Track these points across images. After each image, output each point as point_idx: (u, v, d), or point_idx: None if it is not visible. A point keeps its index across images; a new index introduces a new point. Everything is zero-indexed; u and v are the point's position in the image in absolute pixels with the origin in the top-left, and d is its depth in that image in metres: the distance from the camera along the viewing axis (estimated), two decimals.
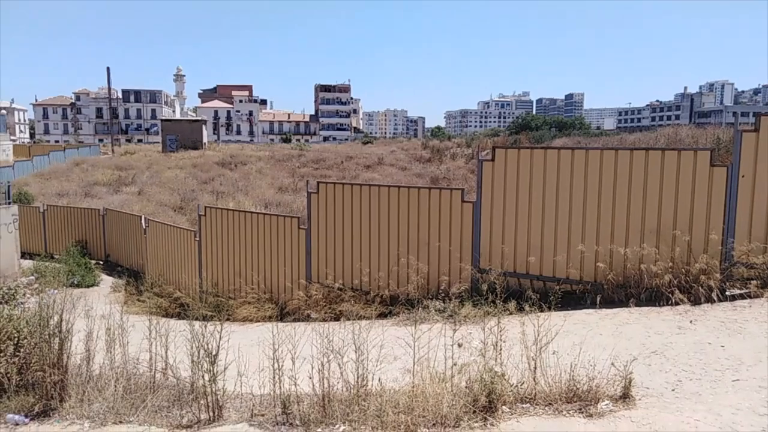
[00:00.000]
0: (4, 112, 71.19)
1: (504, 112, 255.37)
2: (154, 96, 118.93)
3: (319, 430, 4.61)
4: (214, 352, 5.01)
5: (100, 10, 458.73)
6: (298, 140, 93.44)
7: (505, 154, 8.89)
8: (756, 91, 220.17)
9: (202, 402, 5.08)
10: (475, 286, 8.61)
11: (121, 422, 5.00)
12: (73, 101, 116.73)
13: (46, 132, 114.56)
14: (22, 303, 11.47)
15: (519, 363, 5.10)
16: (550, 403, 4.76)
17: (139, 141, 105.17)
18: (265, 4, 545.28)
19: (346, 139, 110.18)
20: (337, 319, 9.13)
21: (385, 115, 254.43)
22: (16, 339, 5.76)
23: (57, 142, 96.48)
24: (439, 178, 31.98)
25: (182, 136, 58.81)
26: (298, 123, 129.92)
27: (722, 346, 5.94)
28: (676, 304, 7.38)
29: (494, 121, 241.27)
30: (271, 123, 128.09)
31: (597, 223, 8.27)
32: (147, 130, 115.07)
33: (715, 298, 7.28)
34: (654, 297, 7.64)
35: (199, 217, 12.79)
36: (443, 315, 8.01)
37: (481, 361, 4.88)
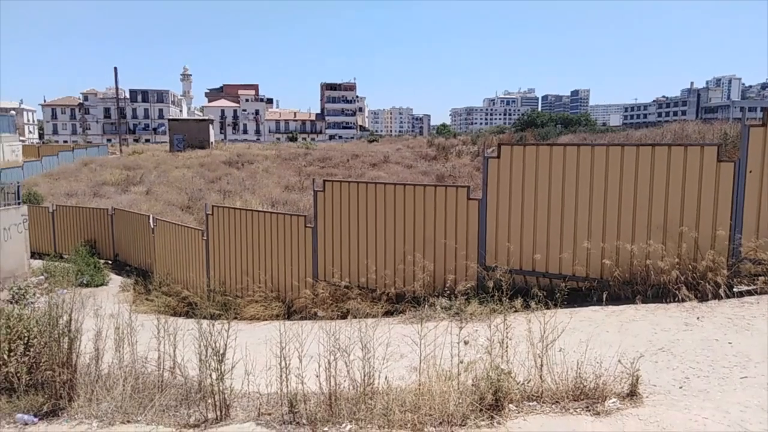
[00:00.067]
0: (13, 113, 71.72)
1: (509, 109, 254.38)
2: (161, 96, 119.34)
3: (326, 429, 4.62)
4: (221, 351, 5.04)
5: (108, 10, 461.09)
6: (305, 139, 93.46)
7: (511, 151, 8.87)
8: (764, 86, 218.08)
9: (209, 401, 5.11)
10: (481, 283, 8.60)
11: (129, 422, 5.04)
12: (81, 102, 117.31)
13: (55, 132, 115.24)
14: (31, 303, 11.57)
15: (525, 360, 5.09)
16: (556, 401, 4.75)
17: (147, 141, 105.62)
18: (271, 3, 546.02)
19: (352, 138, 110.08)
20: (343, 317, 9.15)
21: (391, 113, 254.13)
22: (26, 338, 5.82)
23: (66, 142, 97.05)
24: (445, 175, 31.93)
25: (189, 135, 58.98)
26: (304, 122, 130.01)
27: (730, 343, 5.91)
28: (683, 300, 7.34)
29: (500, 118, 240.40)
30: (278, 122, 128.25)
31: (603, 219, 8.24)
32: (154, 129, 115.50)
33: (723, 295, 7.24)
34: (661, 294, 7.61)
35: (207, 216, 12.85)
36: (449, 312, 8.02)
37: (488, 358, 4.89)
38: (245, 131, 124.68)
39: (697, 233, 7.71)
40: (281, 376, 5.06)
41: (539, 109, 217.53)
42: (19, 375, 5.55)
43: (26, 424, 5.19)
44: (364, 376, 4.84)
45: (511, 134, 65.35)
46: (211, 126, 64.03)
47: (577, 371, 4.86)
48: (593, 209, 8.29)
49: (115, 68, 64.16)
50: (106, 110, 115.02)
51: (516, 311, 5.71)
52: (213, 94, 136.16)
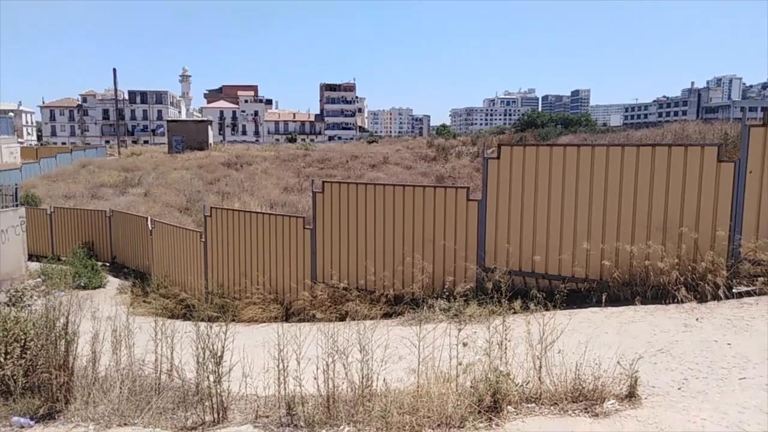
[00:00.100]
0: (11, 114, 71.70)
1: (509, 110, 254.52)
2: (160, 97, 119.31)
3: (324, 431, 4.60)
4: (219, 353, 5.02)
5: (106, 11, 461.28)
6: (304, 140, 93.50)
7: (511, 151, 8.85)
8: (764, 86, 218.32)
9: (206, 403, 5.09)
10: (480, 285, 8.58)
11: (125, 424, 5.02)
12: (80, 103, 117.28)
13: (53, 134, 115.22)
14: (29, 305, 11.53)
15: (524, 362, 5.08)
16: (555, 403, 4.73)
17: (146, 142, 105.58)
18: (270, 3, 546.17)
19: (351, 138, 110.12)
20: (342, 319, 9.13)
21: (390, 114, 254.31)
22: (23, 341, 5.79)
23: (64, 144, 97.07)
24: (445, 176, 31.92)
25: (188, 136, 58.94)
26: (303, 122, 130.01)
27: (729, 344, 5.89)
28: (683, 301, 7.33)
29: (500, 119, 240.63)
30: (277, 123, 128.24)
31: (603, 220, 8.23)
32: (153, 131, 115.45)
33: (722, 296, 7.23)
34: (660, 295, 7.59)
35: (205, 218, 12.83)
36: (448, 314, 8.00)
37: (486, 360, 4.87)
38: (244, 132, 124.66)
39: (696, 234, 7.70)
40: (279, 378, 5.04)
41: (539, 109, 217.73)
42: (15, 377, 5.52)
43: (22, 427, 5.17)
44: (363, 378, 4.82)
45: (511, 135, 65.39)
46: (209, 127, 64.00)
47: (576, 373, 4.84)
48: (593, 210, 8.28)
49: (114, 69, 64.20)
50: (105, 112, 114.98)
51: (515, 313, 5.69)
52: (212, 95, 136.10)
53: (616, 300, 7.84)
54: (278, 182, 32.57)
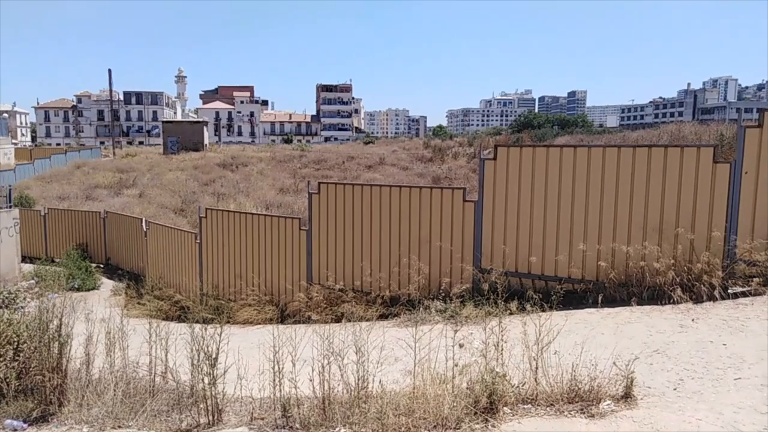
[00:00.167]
0: (5, 115, 71.41)
1: (506, 111, 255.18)
2: (155, 98, 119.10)
3: None
4: (214, 355, 4.98)
5: (102, 12, 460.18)
6: (300, 141, 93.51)
7: (507, 152, 8.85)
8: (760, 87, 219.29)
9: (201, 406, 5.06)
10: (477, 286, 8.57)
11: (120, 427, 4.98)
12: (75, 104, 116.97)
13: (48, 135, 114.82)
14: (22, 307, 11.46)
15: (520, 363, 5.07)
16: (551, 404, 4.73)
17: (141, 143, 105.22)
18: (267, 4, 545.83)
19: (348, 139, 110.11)
20: (338, 320, 9.10)
21: (387, 115, 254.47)
22: (16, 343, 5.73)
23: (58, 144, 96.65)
24: (441, 177, 31.93)
25: (183, 137, 58.81)
26: (299, 123, 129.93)
27: (724, 345, 5.90)
28: (678, 302, 7.33)
29: (496, 120, 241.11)
30: (273, 124, 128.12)
31: (599, 221, 8.23)
32: (148, 132, 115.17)
33: (717, 296, 7.24)
34: (656, 295, 7.60)
35: (200, 219, 12.78)
36: (444, 315, 7.99)
37: (483, 361, 4.86)
38: (240, 133, 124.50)
39: (692, 235, 7.71)
40: (274, 380, 5.01)
41: (536, 110, 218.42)
42: (8, 380, 5.47)
43: (15, 430, 5.12)
44: (358, 379, 4.80)
45: (508, 135, 65.48)
46: (205, 128, 63.89)
47: (572, 374, 4.84)
48: (589, 211, 8.28)
49: (109, 70, 64.02)
50: (100, 112, 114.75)
51: (511, 314, 5.68)
52: (208, 96, 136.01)
53: (612, 301, 7.85)
54: (274, 183, 32.53)
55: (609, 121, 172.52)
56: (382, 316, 9.07)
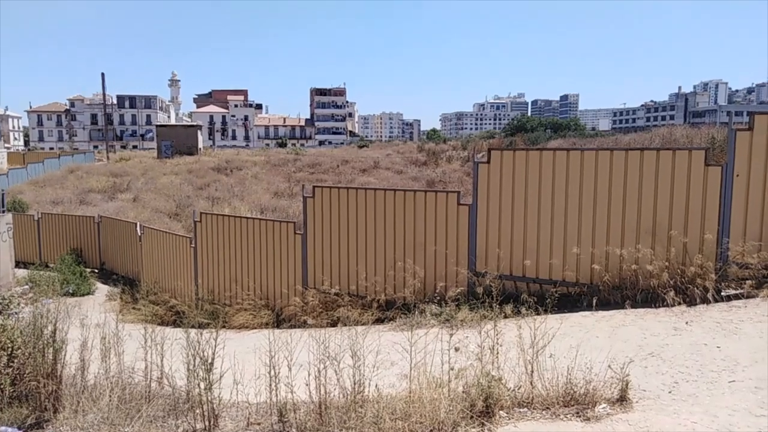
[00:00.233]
0: None
1: (499, 114, 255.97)
2: (149, 101, 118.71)
3: None
4: (209, 360, 4.97)
5: (95, 15, 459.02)
6: (294, 144, 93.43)
7: (501, 156, 8.89)
8: (750, 90, 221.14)
9: (197, 411, 5.04)
10: (472, 289, 8.59)
11: None
12: (68, 108, 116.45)
13: (41, 139, 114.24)
14: (16, 313, 11.37)
15: (516, 367, 5.09)
16: (547, 407, 4.75)
17: (134, 147, 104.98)
18: (260, 8, 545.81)
19: (342, 143, 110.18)
20: (333, 324, 9.10)
21: (381, 119, 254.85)
22: (10, 349, 5.71)
23: (52, 149, 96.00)
24: (435, 181, 31.99)
25: (177, 141, 58.77)
26: (293, 127, 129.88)
27: (718, 347, 5.94)
28: (672, 305, 7.37)
29: (490, 123, 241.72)
30: (267, 127, 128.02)
31: (593, 224, 8.27)
32: (142, 136, 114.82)
33: (711, 299, 7.28)
34: (650, 298, 7.64)
35: (195, 224, 12.76)
36: (440, 319, 8.00)
37: (478, 365, 4.87)
38: (234, 137, 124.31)
39: (685, 237, 7.76)
40: (270, 385, 5.01)
41: (529, 113, 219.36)
42: (2, 387, 5.44)
43: None
44: (354, 384, 4.80)
45: (501, 139, 65.76)
46: (199, 132, 63.79)
47: (568, 377, 4.86)
48: (583, 214, 8.32)
49: (103, 74, 64.03)
50: (93, 116, 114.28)
51: (506, 317, 5.71)
52: (201, 100, 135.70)
53: (606, 304, 7.88)
54: (268, 187, 32.50)
55: (601, 124, 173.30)
56: (378, 320, 9.07)
